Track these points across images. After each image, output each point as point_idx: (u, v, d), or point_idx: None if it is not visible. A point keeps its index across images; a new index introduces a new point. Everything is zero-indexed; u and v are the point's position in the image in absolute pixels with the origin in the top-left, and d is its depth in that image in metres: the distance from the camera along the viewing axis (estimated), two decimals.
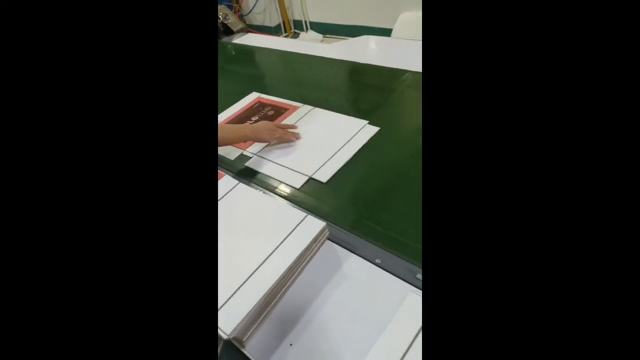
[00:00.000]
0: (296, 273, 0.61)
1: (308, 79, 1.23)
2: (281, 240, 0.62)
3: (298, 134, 0.93)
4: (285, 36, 3.07)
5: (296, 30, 3.12)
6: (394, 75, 1.09)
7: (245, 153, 0.93)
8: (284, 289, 0.60)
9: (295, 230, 0.63)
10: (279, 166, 0.86)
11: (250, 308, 0.53)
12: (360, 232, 0.67)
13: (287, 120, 1.00)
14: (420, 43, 1.24)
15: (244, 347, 0.54)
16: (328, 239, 0.67)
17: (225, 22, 1.70)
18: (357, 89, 1.14)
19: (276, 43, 1.55)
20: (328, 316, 0.56)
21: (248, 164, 0.89)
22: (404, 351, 0.49)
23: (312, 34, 2.96)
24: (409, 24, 2.20)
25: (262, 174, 0.86)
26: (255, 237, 0.64)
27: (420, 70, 1.07)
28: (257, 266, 0.59)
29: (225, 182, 0.78)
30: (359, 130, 0.90)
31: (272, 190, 0.81)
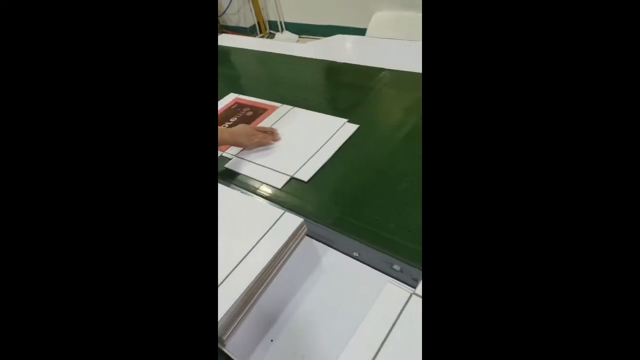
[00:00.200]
0: (275, 270, 0.61)
1: (286, 78, 1.22)
2: (259, 237, 0.62)
3: (277, 135, 0.93)
4: (261, 37, 3.05)
5: (271, 31, 3.10)
6: (370, 73, 1.10)
7: (224, 155, 0.92)
8: (263, 286, 0.59)
9: (273, 228, 0.63)
10: (260, 167, 0.86)
11: (229, 307, 0.53)
12: (343, 228, 0.67)
13: (267, 120, 1.00)
14: (395, 42, 1.26)
15: (224, 345, 0.54)
16: (307, 235, 0.67)
17: None
18: (335, 88, 1.14)
19: (252, 44, 1.54)
20: (308, 311, 0.57)
21: (228, 165, 0.88)
22: (382, 340, 0.50)
23: (287, 34, 2.96)
24: (383, 24, 2.23)
25: (243, 175, 0.85)
26: (234, 235, 0.63)
27: (397, 68, 1.09)
28: (235, 264, 0.58)
29: None
30: (339, 129, 0.90)
31: (253, 191, 0.80)
